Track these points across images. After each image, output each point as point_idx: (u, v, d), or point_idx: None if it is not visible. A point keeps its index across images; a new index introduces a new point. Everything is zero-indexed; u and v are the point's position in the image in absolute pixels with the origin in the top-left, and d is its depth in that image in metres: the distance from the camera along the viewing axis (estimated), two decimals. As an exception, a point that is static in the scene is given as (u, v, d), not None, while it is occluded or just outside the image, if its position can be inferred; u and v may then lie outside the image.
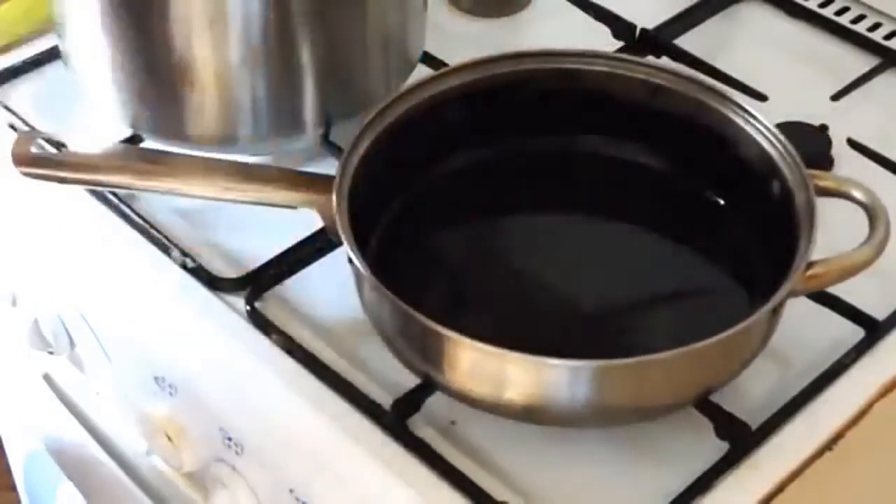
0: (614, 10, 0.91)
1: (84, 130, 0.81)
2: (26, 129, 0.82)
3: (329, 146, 0.79)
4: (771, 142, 0.71)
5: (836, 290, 0.70)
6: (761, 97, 0.85)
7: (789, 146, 0.70)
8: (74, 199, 0.79)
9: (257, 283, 0.74)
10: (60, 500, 0.97)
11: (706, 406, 0.66)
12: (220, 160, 0.73)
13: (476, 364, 0.64)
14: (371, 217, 0.72)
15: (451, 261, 0.75)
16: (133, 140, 0.80)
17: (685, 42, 0.90)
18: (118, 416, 0.86)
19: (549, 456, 0.67)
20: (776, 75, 0.88)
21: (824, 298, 0.71)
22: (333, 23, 0.76)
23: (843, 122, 0.84)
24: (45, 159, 0.72)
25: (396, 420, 0.67)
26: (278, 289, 0.74)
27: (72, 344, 0.85)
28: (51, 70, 0.87)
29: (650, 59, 0.86)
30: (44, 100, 0.86)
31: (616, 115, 0.76)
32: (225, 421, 0.73)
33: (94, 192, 0.79)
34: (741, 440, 0.66)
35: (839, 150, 0.83)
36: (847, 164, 0.82)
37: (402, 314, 0.63)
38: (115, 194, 0.78)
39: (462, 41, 0.91)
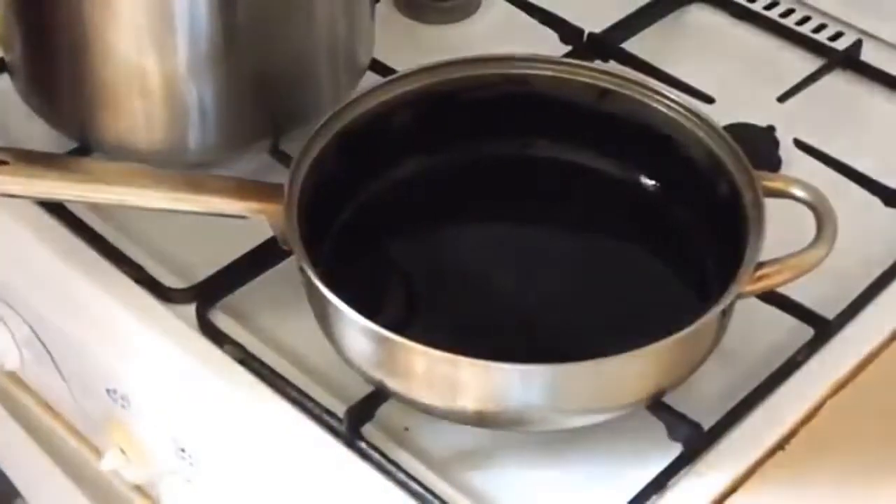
0: (561, 14, 0.91)
1: (30, 143, 0.81)
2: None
3: (279, 155, 0.79)
4: (718, 143, 0.72)
5: (786, 289, 0.70)
6: (708, 99, 0.85)
7: (737, 148, 0.71)
8: (22, 212, 0.78)
9: (208, 293, 0.74)
10: (14, 515, 0.97)
11: (658, 408, 0.67)
12: (168, 171, 0.73)
13: (428, 370, 0.63)
14: (322, 225, 0.72)
15: (404, 267, 0.75)
16: (80, 152, 0.79)
17: (632, 46, 0.90)
18: (70, 429, 0.85)
19: (503, 460, 0.67)
20: (723, 78, 0.89)
21: (774, 298, 0.72)
22: (281, 31, 0.76)
23: (789, 123, 0.85)
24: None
25: (350, 428, 0.67)
26: (229, 298, 0.74)
27: (21, 357, 0.84)
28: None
29: (598, 63, 0.86)
30: (-12, 112, 0.85)
31: (565, 119, 0.76)
32: (178, 432, 0.73)
33: (41, 205, 0.78)
34: (694, 441, 0.67)
35: (786, 150, 0.83)
36: (794, 164, 0.83)
37: (353, 322, 0.63)
38: (62, 206, 0.78)
39: (410, 47, 0.91)
